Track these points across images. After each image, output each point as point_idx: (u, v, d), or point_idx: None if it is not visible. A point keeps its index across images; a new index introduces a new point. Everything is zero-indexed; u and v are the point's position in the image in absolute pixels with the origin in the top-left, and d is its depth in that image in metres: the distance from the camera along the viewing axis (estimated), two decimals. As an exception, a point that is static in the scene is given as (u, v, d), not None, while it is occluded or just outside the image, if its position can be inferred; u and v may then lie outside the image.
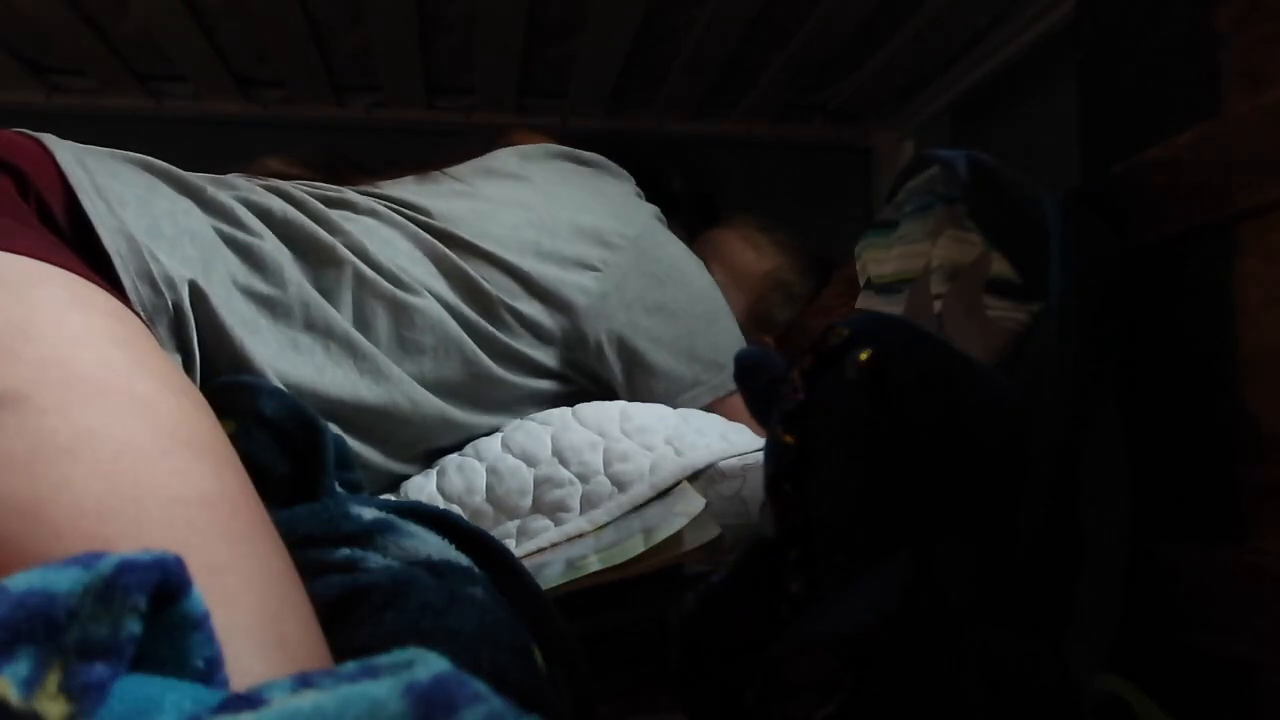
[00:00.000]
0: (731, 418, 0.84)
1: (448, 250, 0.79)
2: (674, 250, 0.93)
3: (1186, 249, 0.50)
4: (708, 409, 0.87)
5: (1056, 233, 0.50)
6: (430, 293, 0.77)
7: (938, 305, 0.54)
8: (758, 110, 1.48)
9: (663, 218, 0.97)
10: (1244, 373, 0.46)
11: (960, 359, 0.46)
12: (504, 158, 0.95)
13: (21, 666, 0.24)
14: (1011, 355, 0.50)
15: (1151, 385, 0.53)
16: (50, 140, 0.63)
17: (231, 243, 0.69)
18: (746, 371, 0.52)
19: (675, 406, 0.84)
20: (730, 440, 0.76)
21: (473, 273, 0.79)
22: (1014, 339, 0.50)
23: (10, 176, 0.58)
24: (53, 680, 0.25)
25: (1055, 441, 0.45)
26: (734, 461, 0.72)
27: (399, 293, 0.75)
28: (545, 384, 0.85)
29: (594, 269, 0.85)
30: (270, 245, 0.70)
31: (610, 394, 0.87)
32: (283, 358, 0.68)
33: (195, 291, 0.63)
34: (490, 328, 0.80)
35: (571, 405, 0.81)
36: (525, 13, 1.16)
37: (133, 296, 0.59)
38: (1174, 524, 0.51)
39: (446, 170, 0.91)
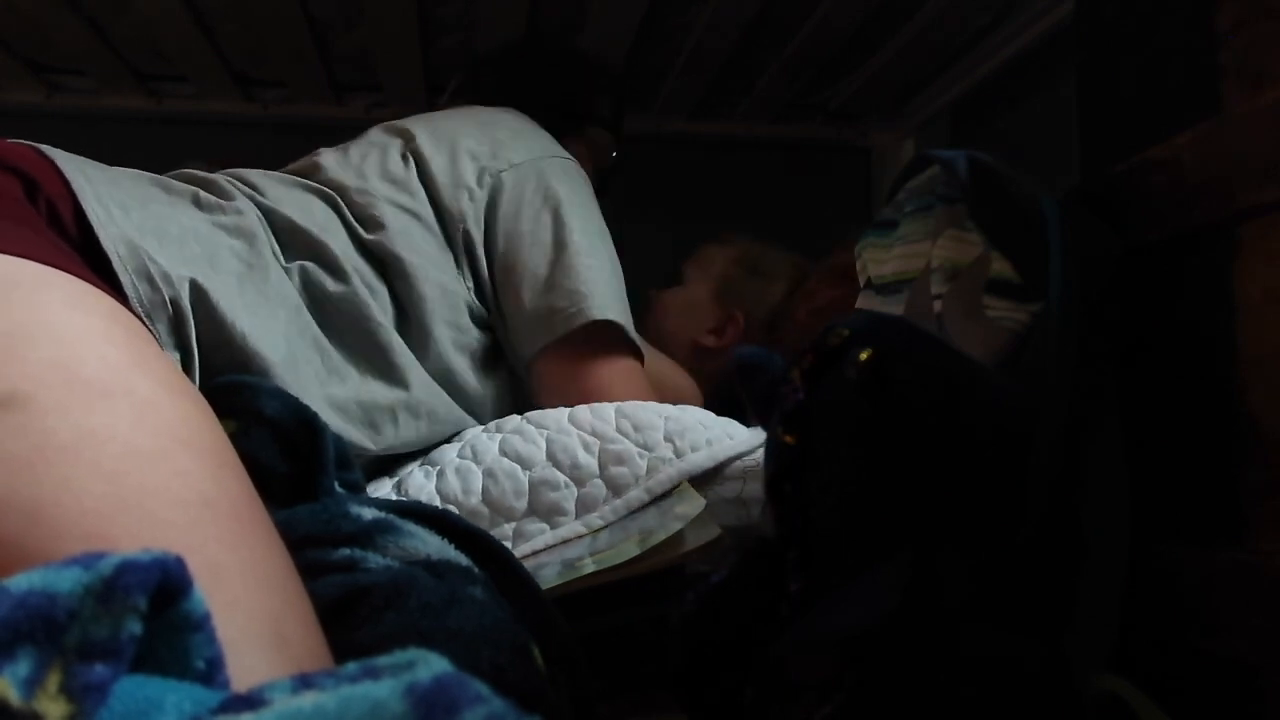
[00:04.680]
0: (572, 366, 0.85)
1: (338, 196, 0.81)
2: (567, 183, 0.93)
3: (1186, 249, 0.50)
4: (552, 361, 0.86)
5: (1056, 233, 0.50)
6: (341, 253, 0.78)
7: (938, 305, 0.54)
8: (758, 110, 1.48)
9: (566, 155, 0.97)
10: (1244, 373, 0.46)
11: (960, 359, 0.46)
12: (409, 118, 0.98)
13: (22, 667, 0.24)
14: (1011, 355, 0.50)
15: (1151, 385, 0.53)
16: (53, 151, 0.64)
17: (233, 240, 0.70)
18: (746, 371, 0.51)
19: (530, 332, 0.85)
20: (733, 436, 0.76)
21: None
22: (1014, 339, 0.50)
23: (19, 181, 0.58)
24: (53, 681, 0.25)
25: (1055, 441, 0.45)
26: (735, 464, 0.72)
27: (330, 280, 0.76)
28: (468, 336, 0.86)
29: (482, 184, 0.88)
30: (264, 235, 0.72)
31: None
32: (288, 350, 0.70)
33: (196, 289, 0.64)
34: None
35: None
36: (525, 13, 1.16)
37: (130, 294, 0.60)
38: (1174, 524, 0.51)
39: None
